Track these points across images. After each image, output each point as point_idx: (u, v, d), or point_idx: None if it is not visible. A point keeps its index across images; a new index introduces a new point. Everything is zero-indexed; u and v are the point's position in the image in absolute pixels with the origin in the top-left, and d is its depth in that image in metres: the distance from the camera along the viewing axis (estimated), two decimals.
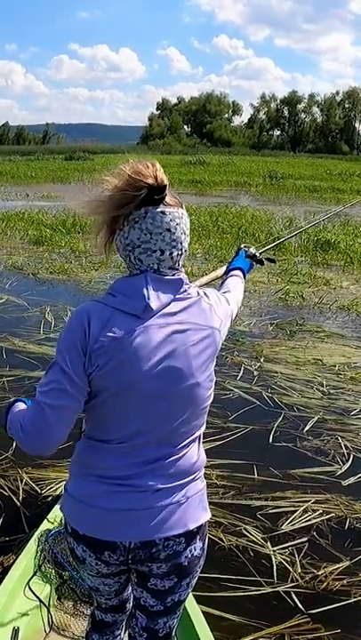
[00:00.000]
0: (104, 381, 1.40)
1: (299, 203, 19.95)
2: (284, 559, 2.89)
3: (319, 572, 2.81)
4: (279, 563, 2.86)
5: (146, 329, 1.41)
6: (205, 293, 1.56)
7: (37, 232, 11.69)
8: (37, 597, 2.37)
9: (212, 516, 3.13)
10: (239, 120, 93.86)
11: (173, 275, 1.47)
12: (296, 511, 3.24)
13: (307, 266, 9.74)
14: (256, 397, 4.66)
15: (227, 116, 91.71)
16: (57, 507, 2.77)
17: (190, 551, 1.51)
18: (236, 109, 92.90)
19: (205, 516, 1.56)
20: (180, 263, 1.51)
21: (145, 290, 1.42)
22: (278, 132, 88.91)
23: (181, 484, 1.48)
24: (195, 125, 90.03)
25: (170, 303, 1.44)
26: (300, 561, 2.88)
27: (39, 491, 3.22)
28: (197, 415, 1.51)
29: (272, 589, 2.70)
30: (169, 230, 1.43)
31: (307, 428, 4.19)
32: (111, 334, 1.38)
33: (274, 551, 2.94)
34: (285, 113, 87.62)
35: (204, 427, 1.57)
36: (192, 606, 2.24)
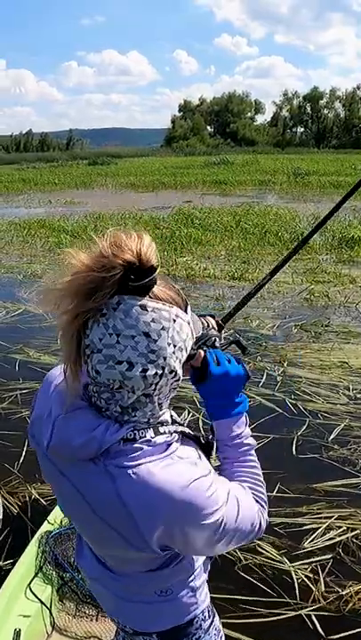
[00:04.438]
0: None
1: (324, 199, 19.60)
2: (306, 577, 2.74)
3: (344, 592, 2.65)
4: (301, 582, 2.71)
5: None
6: (150, 469, 1.01)
7: (58, 239, 11.65)
8: (39, 599, 2.36)
9: None
10: (262, 118, 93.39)
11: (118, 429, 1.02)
12: (319, 527, 3.07)
13: (332, 264, 9.50)
14: (279, 405, 4.49)
15: (250, 115, 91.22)
16: (57, 508, 2.72)
17: None
18: (258, 108, 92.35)
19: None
20: (163, 397, 1.05)
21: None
22: (302, 129, 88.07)
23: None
24: (218, 126, 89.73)
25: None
26: (323, 579, 2.72)
27: (47, 507, 3.12)
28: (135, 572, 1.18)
29: (294, 612, 2.55)
30: (148, 335, 0.98)
31: (332, 437, 4.01)
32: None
33: (295, 569, 2.78)
34: (308, 110, 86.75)
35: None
36: None
